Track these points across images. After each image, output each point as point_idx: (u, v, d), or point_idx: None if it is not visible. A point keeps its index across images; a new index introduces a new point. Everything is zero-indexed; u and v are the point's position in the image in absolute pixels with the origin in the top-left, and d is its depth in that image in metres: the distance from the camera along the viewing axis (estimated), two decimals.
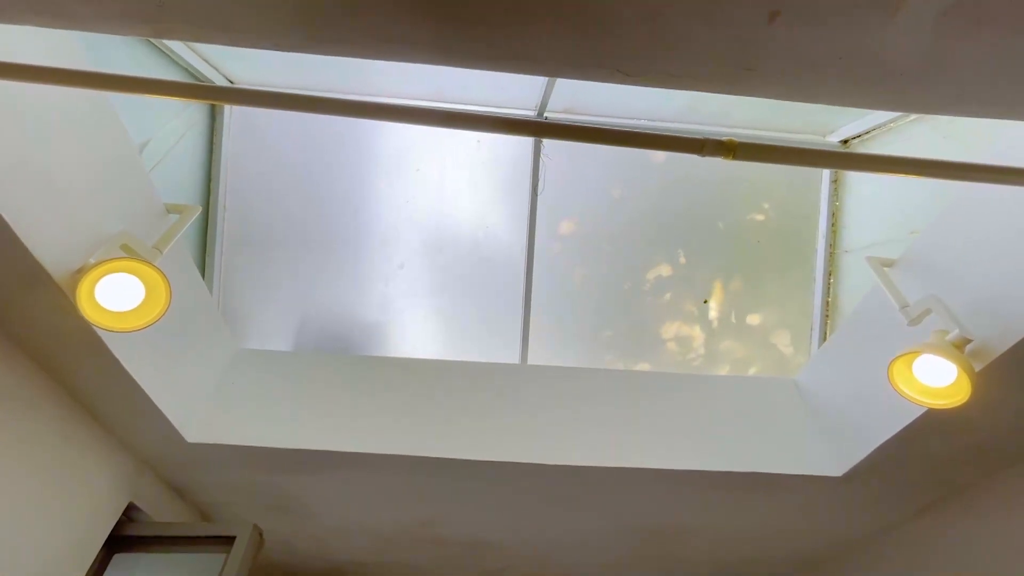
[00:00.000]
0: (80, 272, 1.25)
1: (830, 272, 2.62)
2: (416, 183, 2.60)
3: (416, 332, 2.73)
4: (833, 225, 2.60)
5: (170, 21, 0.87)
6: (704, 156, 0.94)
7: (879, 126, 2.34)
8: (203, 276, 2.38)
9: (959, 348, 1.54)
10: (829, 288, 2.61)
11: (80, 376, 1.63)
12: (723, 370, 2.69)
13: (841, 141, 2.56)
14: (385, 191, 2.61)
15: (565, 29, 0.84)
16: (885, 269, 1.93)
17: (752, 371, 2.70)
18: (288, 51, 0.94)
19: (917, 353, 1.56)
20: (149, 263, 1.34)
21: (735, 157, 0.93)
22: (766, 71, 0.85)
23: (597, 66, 0.89)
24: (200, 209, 1.72)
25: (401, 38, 0.86)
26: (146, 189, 1.63)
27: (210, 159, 2.35)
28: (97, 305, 1.27)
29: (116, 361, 1.56)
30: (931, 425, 1.81)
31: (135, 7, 0.85)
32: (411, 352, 2.66)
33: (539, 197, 2.54)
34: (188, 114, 2.18)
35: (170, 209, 1.70)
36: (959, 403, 1.50)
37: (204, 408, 2.00)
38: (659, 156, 2.60)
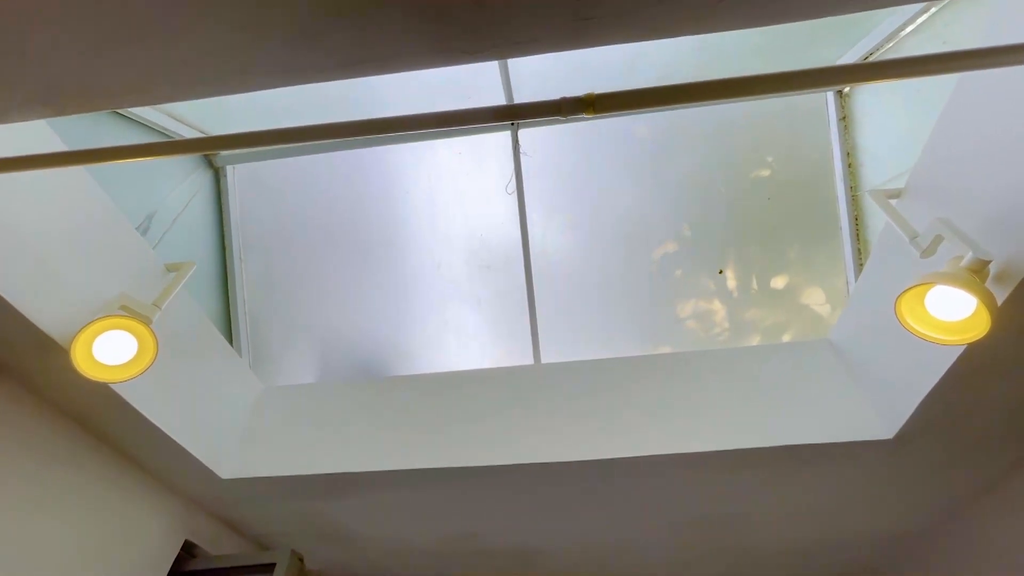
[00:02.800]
0: (76, 335, 1.40)
1: (856, 216, 2.39)
2: (408, 204, 2.67)
3: (434, 347, 2.79)
4: (850, 165, 2.38)
5: (67, 98, 0.97)
6: (566, 117, 0.91)
7: (874, 50, 2.12)
8: (230, 323, 2.58)
9: (977, 273, 1.36)
10: (858, 234, 2.38)
11: (115, 429, 1.81)
12: (753, 341, 2.51)
13: None
14: (384, 216, 2.71)
15: (400, 25, 0.85)
16: (892, 201, 1.74)
17: (786, 338, 2.50)
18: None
19: (929, 285, 1.38)
20: (135, 318, 1.47)
21: (596, 111, 0.88)
22: (603, 17, 0.82)
23: (438, 51, 0.89)
24: (194, 265, 1.87)
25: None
26: (143, 253, 1.80)
27: (220, 216, 2.55)
28: (94, 361, 1.41)
29: (138, 413, 1.72)
30: (978, 367, 1.59)
31: (35, 92, 0.96)
32: (428, 368, 2.71)
33: (527, 197, 2.53)
34: (192, 179, 2.39)
35: (169, 268, 1.87)
36: (979, 335, 1.31)
37: (234, 446, 2.14)
38: (641, 130, 2.52)
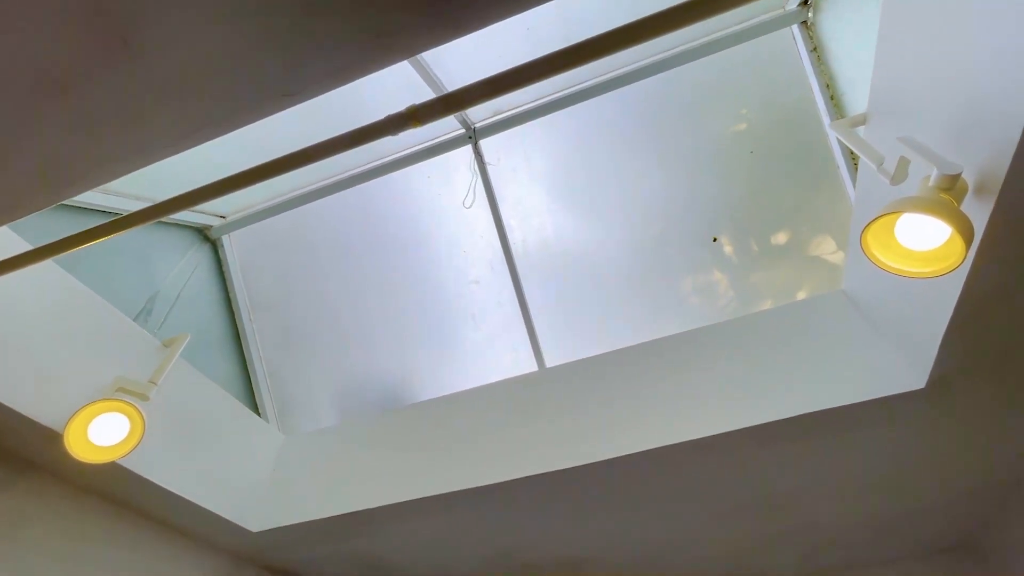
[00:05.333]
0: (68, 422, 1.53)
1: (852, 150, 2.17)
2: (397, 235, 2.72)
3: (448, 369, 2.80)
4: (832, 97, 2.18)
5: None
6: (398, 134, 0.88)
7: None
8: (251, 381, 2.71)
9: (948, 191, 1.19)
10: (856, 168, 2.16)
11: (140, 501, 1.94)
12: (765, 305, 2.34)
13: (800, 4, 2.16)
14: (377, 250, 2.78)
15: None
16: (860, 129, 1.57)
17: (801, 295, 2.31)
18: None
19: (895, 215, 1.23)
20: (127, 398, 1.58)
21: (421, 122, 0.86)
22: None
23: (276, 96, 0.90)
24: (188, 336, 1.99)
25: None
26: (137, 334, 1.93)
27: (224, 283, 2.71)
28: (88, 444, 1.53)
29: (155, 484, 1.84)
30: (990, 291, 1.38)
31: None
32: (446, 390, 2.72)
33: (501, 203, 2.50)
34: (189, 256, 2.56)
35: (165, 343, 2.00)
36: (956, 262, 1.14)
37: (261, 498, 2.24)
38: (608, 111, 2.43)
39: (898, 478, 2.19)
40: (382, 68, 0.91)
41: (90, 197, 1.94)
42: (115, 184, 2.08)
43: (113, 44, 0.85)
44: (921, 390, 1.70)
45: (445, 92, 2.20)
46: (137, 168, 1.02)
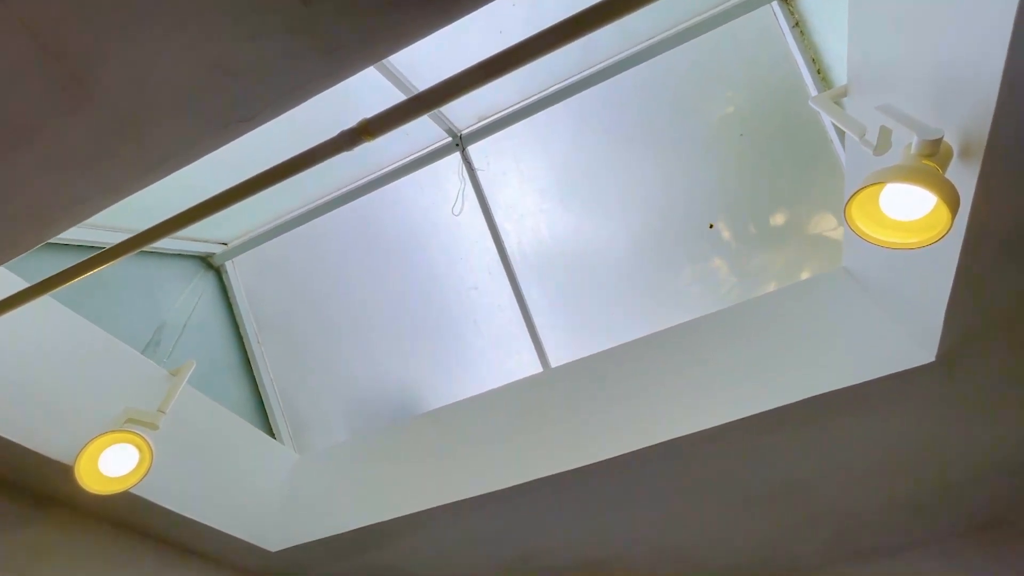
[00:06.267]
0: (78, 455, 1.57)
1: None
2: (396, 247, 2.74)
3: (457, 377, 2.80)
4: (819, 71, 2.13)
5: None
6: (353, 150, 0.89)
7: None
8: (264, 403, 2.75)
9: (930, 157, 1.15)
10: (846, 142, 2.11)
11: (160, 527, 1.98)
12: (769, 288, 2.29)
13: None
14: (379, 264, 2.80)
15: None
16: (841, 102, 1.53)
17: (805, 275, 2.26)
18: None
19: (879, 186, 1.19)
20: (129, 432, 1.61)
21: (373, 136, 0.86)
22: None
23: (233, 122, 0.92)
24: (193, 364, 2.03)
25: None
26: (144, 365, 1.98)
27: (230, 308, 2.75)
28: (99, 475, 1.57)
29: (173, 512, 1.87)
30: (993, 254, 1.33)
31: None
32: (455, 397, 2.72)
33: (494, 207, 2.50)
34: (194, 285, 2.61)
35: (172, 373, 2.04)
36: (943, 229, 1.10)
37: (278, 518, 2.27)
38: (593, 107, 2.41)
39: (921, 456, 2.12)
40: (334, 84, 0.91)
41: (78, 234, 1.98)
42: (100, 218, 2.09)
43: (71, 87, 0.88)
44: (932, 363, 1.65)
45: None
46: (111, 203, 1.05)
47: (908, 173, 1.11)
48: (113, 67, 0.84)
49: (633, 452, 2.01)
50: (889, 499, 2.41)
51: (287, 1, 0.79)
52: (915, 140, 1.15)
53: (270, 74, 0.87)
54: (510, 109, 2.42)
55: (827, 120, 2.18)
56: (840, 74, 2.05)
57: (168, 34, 0.81)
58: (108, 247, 1.11)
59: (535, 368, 2.46)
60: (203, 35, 0.82)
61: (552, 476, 2.11)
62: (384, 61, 1.97)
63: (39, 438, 1.57)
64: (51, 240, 1.83)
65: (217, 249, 2.74)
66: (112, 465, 1.62)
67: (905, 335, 1.73)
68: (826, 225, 2.21)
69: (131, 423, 1.77)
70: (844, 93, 1.51)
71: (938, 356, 1.63)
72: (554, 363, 2.46)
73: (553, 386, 2.33)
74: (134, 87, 0.87)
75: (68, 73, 0.84)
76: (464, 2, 0.83)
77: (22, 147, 0.92)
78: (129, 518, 1.92)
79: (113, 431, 1.61)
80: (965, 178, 1.21)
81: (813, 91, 2.14)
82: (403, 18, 0.81)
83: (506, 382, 2.45)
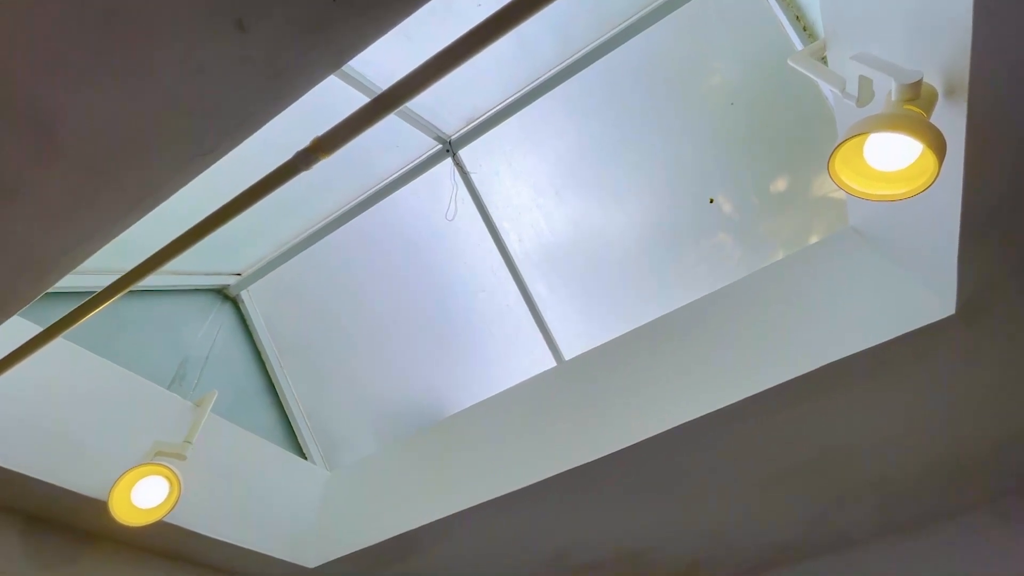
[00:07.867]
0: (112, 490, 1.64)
1: None
2: (402, 257, 2.78)
3: (479, 379, 2.82)
4: (805, 29, 2.06)
5: None
6: (311, 168, 0.90)
7: None
8: (292, 425, 2.82)
9: (913, 101, 1.10)
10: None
11: (203, 554, 2.05)
12: (778, 257, 2.23)
13: None
14: (391, 274, 2.84)
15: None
16: (823, 58, 1.48)
17: (814, 239, 2.19)
18: None
19: (862, 137, 1.15)
20: (156, 464, 1.68)
21: (328, 153, 0.87)
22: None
23: (196, 156, 0.95)
24: (216, 393, 2.10)
25: None
26: (170, 399, 2.05)
27: (250, 336, 2.83)
28: (132, 507, 1.63)
29: (211, 538, 1.94)
30: (1001, 196, 1.26)
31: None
32: (471, 402, 2.73)
33: (490, 207, 2.50)
34: (212, 318, 2.70)
35: (196, 404, 2.11)
36: (931, 177, 1.05)
37: (314, 534, 2.32)
38: (578, 95, 2.39)
39: (957, 415, 2.03)
40: (286, 107, 0.93)
41: (75, 281, 2.00)
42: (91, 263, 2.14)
43: (42, 141, 0.92)
44: (952, 317, 1.57)
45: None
46: (99, 247, 1.09)
47: (888, 121, 1.06)
48: (73, 118, 0.88)
49: (654, 436, 1.98)
50: (931, 462, 2.31)
51: (225, 31, 0.81)
52: (894, 86, 1.10)
53: (220, 106, 0.89)
54: (496, 108, 2.42)
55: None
56: None
57: (119, 81, 0.84)
58: (104, 287, 1.16)
59: (549, 362, 2.45)
60: (152, 77, 0.84)
61: (576, 468, 2.10)
62: (345, 68, 1.99)
63: (74, 477, 1.65)
64: (57, 290, 1.92)
65: (231, 280, 2.83)
66: (144, 497, 1.69)
67: (921, 290, 1.66)
68: (830, 186, 2.13)
69: (160, 456, 1.84)
70: (823, 48, 1.46)
71: (959, 308, 1.55)
72: (568, 355, 2.44)
73: (567, 379, 2.32)
74: (98, 136, 0.90)
75: (41, 127, 0.88)
76: (397, 8, 0.83)
77: (7, 203, 0.97)
78: (170, 547, 1.99)
79: (141, 465, 1.68)
80: (955, 117, 1.15)
81: (802, 48, 2.07)
82: (337, 35, 0.82)
83: (522, 379, 2.45)
